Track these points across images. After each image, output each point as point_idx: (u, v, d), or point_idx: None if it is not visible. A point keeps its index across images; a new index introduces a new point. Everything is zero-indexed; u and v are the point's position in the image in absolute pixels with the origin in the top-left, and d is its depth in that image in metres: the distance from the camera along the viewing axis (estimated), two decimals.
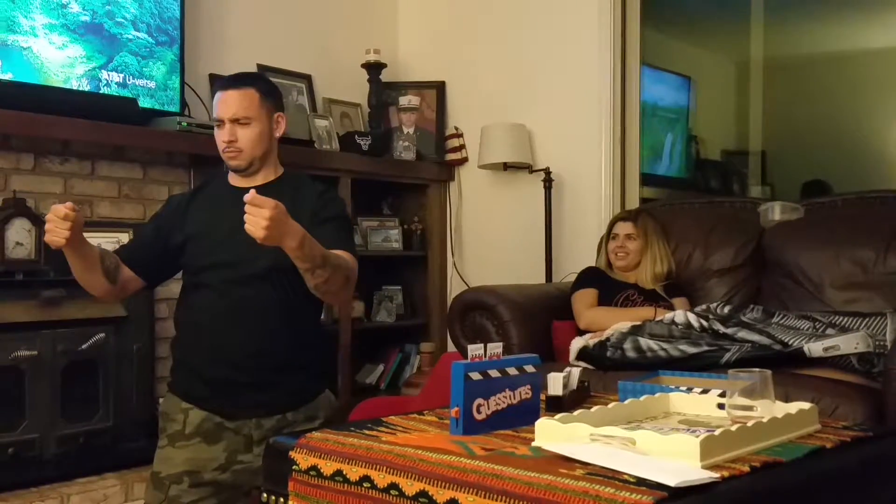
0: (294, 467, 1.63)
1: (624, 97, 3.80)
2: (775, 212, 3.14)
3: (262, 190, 1.91)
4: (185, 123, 3.20)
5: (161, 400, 2.25)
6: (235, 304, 2.13)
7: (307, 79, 3.97)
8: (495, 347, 1.74)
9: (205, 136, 3.23)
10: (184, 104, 3.39)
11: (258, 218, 1.81)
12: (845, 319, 2.57)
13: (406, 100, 4.12)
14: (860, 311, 2.63)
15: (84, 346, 3.00)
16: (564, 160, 3.85)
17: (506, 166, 3.93)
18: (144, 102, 3.23)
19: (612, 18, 3.75)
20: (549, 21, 3.91)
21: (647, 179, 4.70)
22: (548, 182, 3.80)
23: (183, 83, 3.37)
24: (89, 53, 3.12)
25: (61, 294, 2.91)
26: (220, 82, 2.23)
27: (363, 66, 4.04)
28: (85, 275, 2.09)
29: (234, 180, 2.24)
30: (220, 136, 2.18)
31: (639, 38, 3.82)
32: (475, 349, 1.79)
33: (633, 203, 3.82)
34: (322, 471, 1.59)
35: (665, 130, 5.22)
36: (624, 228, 3.15)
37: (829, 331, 2.53)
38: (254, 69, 3.74)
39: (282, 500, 1.66)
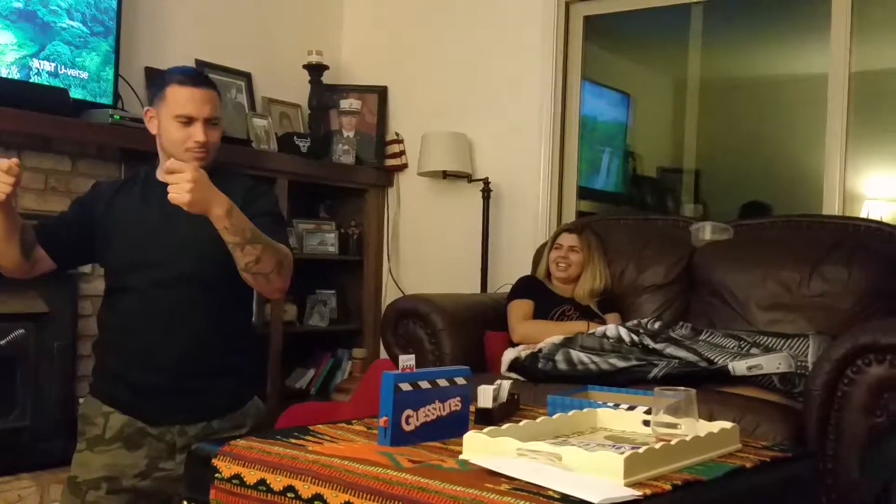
0: (216, 475, 1.60)
1: (564, 111, 3.84)
2: (706, 231, 3.19)
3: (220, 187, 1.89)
4: (117, 116, 3.12)
5: (81, 401, 2.17)
6: (162, 308, 2.08)
7: (247, 77, 3.91)
8: (408, 360, 1.74)
9: (138, 129, 3.16)
10: (117, 97, 3.31)
11: (181, 182, 1.80)
12: (769, 340, 2.63)
13: (347, 103, 4.10)
14: (783, 332, 2.69)
15: (2, 342, 2.90)
16: (504, 171, 3.87)
17: (445, 175, 3.93)
18: (76, 93, 3.14)
19: (555, 34, 3.79)
20: (494, 33, 3.93)
21: (584, 193, 4.74)
22: (486, 192, 3.82)
23: (117, 75, 3.29)
24: (21, 41, 3.02)
25: None
26: (182, 77, 2.12)
27: (305, 66, 4.00)
28: (2, 244, 2.01)
29: (164, 176, 2.16)
30: (191, 135, 2.09)
31: (581, 54, 3.86)
32: (406, 359, 1.78)
33: (570, 216, 3.86)
34: (245, 479, 1.56)
35: (603, 145, 5.28)
36: (568, 240, 3.17)
37: (754, 350, 2.59)
38: (192, 64, 3.67)
39: None
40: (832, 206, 3.34)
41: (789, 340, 2.61)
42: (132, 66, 3.45)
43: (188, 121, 2.09)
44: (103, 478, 2.05)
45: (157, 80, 2.22)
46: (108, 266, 2.19)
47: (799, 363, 2.50)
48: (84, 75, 3.18)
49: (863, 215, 5.57)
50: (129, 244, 2.11)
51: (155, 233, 2.08)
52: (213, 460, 1.61)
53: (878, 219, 4.07)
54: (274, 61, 4.03)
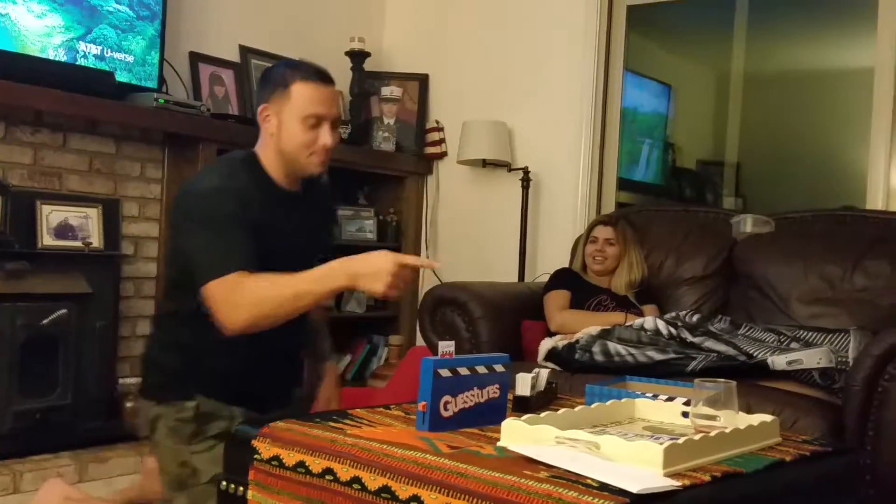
0: (256, 456, 1.62)
1: (605, 102, 3.81)
2: (747, 224, 3.16)
3: (310, 193, 1.98)
4: (162, 100, 3.16)
5: (190, 404, 2.07)
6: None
7: None
8: (447, 346, 1.74)
9: (182, 114, 3.20)
10: (162, 80, 3.35)
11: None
12: (809, 334, 2.60)
13: (388, 90, 4.11)
14: (824, 327, 2.66)
15: (45, 322, 2.95)
16: (543, 160, 3.85)
17: (485, 163, 3.93)
18: (122, 77, 3.18)
19: (598, 24, 3.76)
20: (536, 23, 3.91)
21: (623, 184, 4.72)
22: (526, 181, 3.81)
23: (162, 59, 3.33)
24: (68, 24, 3.07)
25: (25, 267, 2.87)
26: (308, 74, 1.98)
27: (347, 53, 4.02)
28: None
29: (283, 180, 2.05)
30: (318, 137, 1.99)
31: (623, 45, 3.83)
32: (446, 345, 1.78)
33: (610, 207, 3.83)
34: (284, 461, 1.58)
35: (643, 136, 5.24)
36: (604, 233, 3.16)
37: (794, 345, 2.56)
38: (236, 50, 3.70)
39: (241, 489, 1.64)
40: (876, 201, 3.28)
41: (830, 336, 2.57)
42: (177, 50, 3.49)
43: (317, 122, 1.98)
44: None
45: (272, 76, 2.06)
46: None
47: (839, 359, 2.47)
48: (130, 59, 3.23)
49: None
50: (269, 254, 1.97)
51: (288, 246, 2.03)
52: (253, 441, 1.63)
53: None
54: (316, 48, 4.04)
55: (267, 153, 2.05)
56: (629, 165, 5.08)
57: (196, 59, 3.56)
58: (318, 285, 1.89)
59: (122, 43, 3.21)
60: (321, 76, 2.01)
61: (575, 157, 3.79)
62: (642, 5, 3.84)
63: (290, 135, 1.99)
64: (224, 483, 1.68)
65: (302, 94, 1.97)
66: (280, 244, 2.00)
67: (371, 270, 1.85)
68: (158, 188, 3.37)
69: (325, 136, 1.99)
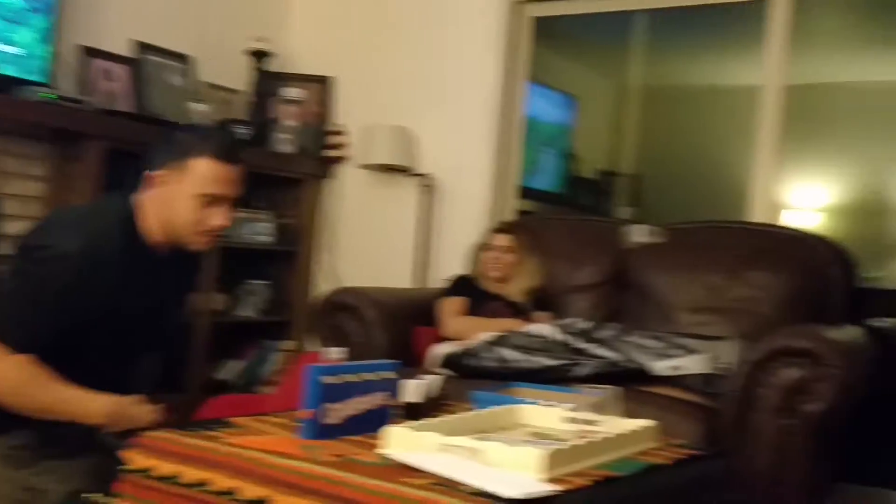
0: (125, 467, 1.57)
1: (509, 110, 3.86)
2: (638, 234, 3.26)
3: (179, 259, 1.91)
4: (46, 94, 3.05)
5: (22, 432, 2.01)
6: None
7: (187, 60, 3.85)
8: (336, 352, 1.74)
9: (68, 108, 3.10)
10: (51, 75, 3.23)
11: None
12: (692, 341, 2.70)
13: (290, 92, 4.06)
14: (706, 335, 2.76)
15: None
16: (446, 167, 3.88)
17: (387, 168, 3.93)
18: (7, 70, 3.06)
19: (504, 33, 3.80)
20: (443, 30, 3.94)
21: (524, 192, 4.79)
22: (428, 187, 3.83)
23: (53, 53, 3.22)
24: None
25: None
26: (216, 150, 1.85)
27: (248, 52, 3.96)
28: None
29: (158, 245, 1.93)
30: (209, 216, 1.87)
31: (529, 55, 3.89)
32: (335, 352, 1.78)
33: (509, 214, 3.89)
34: (156, 471, 1.54)
35: (546, 145, 5.34)
36: (501, 240, 3.19)
37: (677, 351, 2.65)
38: (130, 45, 3.60)
39: (110, 501, 1.59)
40: (759, 214, 3.42)
41: (710, 343, 2.68)
42: (67, 43, 3.37)
43: (213, 200, 1.86)
44: None
45: (177, 141, 1.92)
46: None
47: (719, 365, 2.57)
48: (17, 51, 3.10)
49: (785, 223, 5.75)
50: (116, 315, 1.89)
51: (140, 310, 1.93)
52: (123, 451, 1.58)
53: (802, 227, 4.20)
54: (216, 46, 3.97)
55: (149, 215, 1.92)
56: (531, 173, 5.16)
57: (89, 53, 3.45)
58: (79, 411, 1.82)
59: (10, 35, 3.08)
60: (228, 154, 1.89)
61: (477, 165, 3.83)
62: (548, 17, 3.91)
63: (180, 208, 1.87)
64: (89, 496, 1.63)
65: (203, 170, 1.85)
66: (132, 306, 1.90)
67: (128, 420, 1.83)
68: (42, 186, 3.25)
69: (219, 217, 1.89)
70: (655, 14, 4.21)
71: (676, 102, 6.01)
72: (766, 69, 3.42)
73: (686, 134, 5.96)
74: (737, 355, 2.57)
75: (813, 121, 5.32)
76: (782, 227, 3.32)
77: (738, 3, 3.58)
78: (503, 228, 3.28)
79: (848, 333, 2.60)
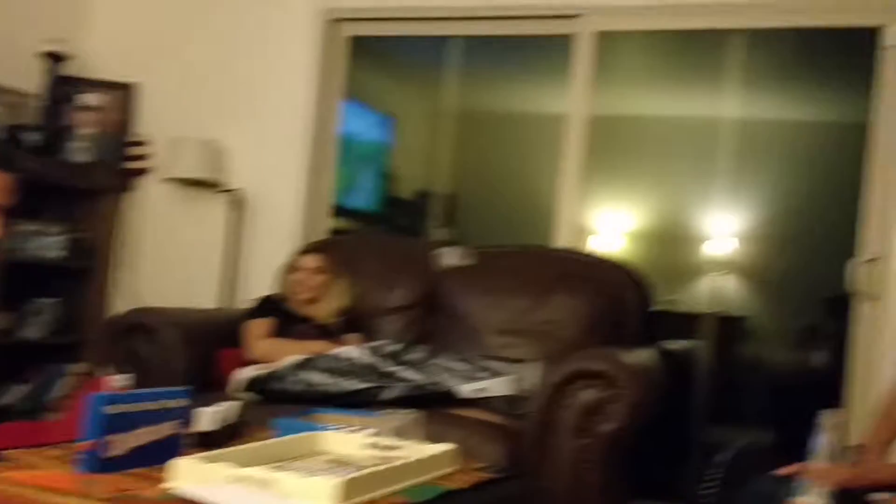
0: None
1: (323, 127, 3.81)
2: (450, 256, 3.29)
3: None
4: None
5: None
6: None
7: None
8: (121, 379, 1.64)
9: None
10: None
11: None
12: (497, 364, 2.75)
13: (88, 98, 3.82)
14: (511, 357, 2.82)
15: None
16: (257, 183, 3.77)
17: (194, 182, 3.77)
18: None
19: (319, 51, 3.76)
20: (258, 44, 3.84)
21: (340, 211, 4.75)
22: (237, 203, 3.71)
23: None
24: None
25: None
26: None
27: (41, 54, 3.69)
28: None
29: None
30: None
31: (343, 73, 3.86)
32: (119, 379, 1.67)
33: (323, 233, 3.83)
34: None
35: (363, 164, 5.33)
36: (310, 262, 3.13)
37: (482, 374, 2.69)
38: None
39: None
40: (565, 238, 3.55)
41: (515, 365, 2.74)
42: None
43: None
44: None
45: None
46: None
47: (522, 387, 2.63)
48: None
49: (590, 248, 6.04)
50: None
51: None
52: None
53: (603, 253, 4.41)
54: (5, 44, 3.68)
55: None
56: (348, 192, 5.13)
57: None
58: None
59: None
60: None
61: (289, 182, 3.75)
62: (364, 37, 3.90)
63: None
64: None
65: None
66: None
67: None
68: None
69: None
70: (470, 40, 4.30)
71: (490, 126, 6.18)
72: (572, 99, 3.56)
73: (499, 158, 6.14)
74: (538, 377, 2.64)
75: (616, 150, 5.62)
76: (584, 253, 3.45)
77: (546, 36, 3.71)
78: (311, 249, 3.21)
79: (641, 356, 2.73)
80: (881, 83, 3.10)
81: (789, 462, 1.73)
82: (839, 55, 4.18)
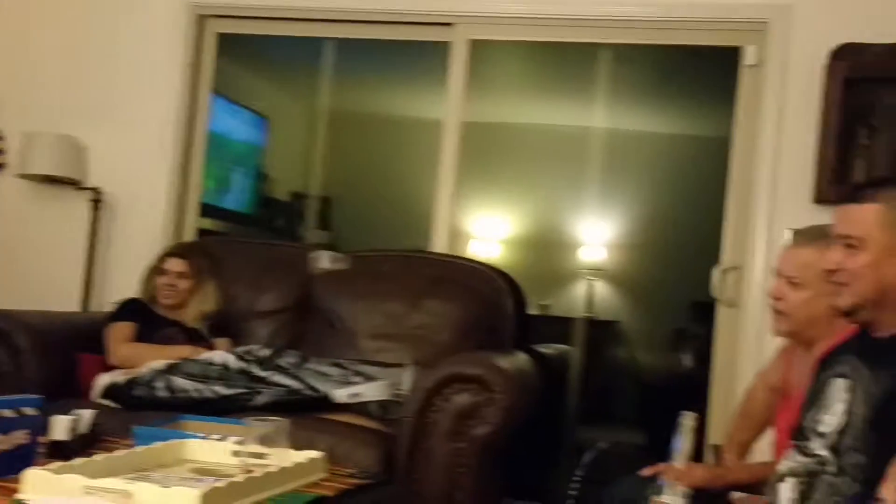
0: None
1: (192, 126, 3.69)
2: (323, 260, 3.24)
3: None
4: None
5: None
6: None
7: None
8: None
9: None
10: None
11: None
12: (371, 368, 2.72)
13: None
14: (384, 361, 2.80)
15: None
16: (122, 181, 3.61)
17: (51, 179, 3.58)
18: None
19: (187, 47, 3.63)
20: (122, 38, 3.68)
21: (211, 211, 4.62)
22: (98, 202, 3.54)
23: None
24: None
25: None
26: None
27: None
28: None
29: None
30: None
31: (212, 71, 3.75)
32: None
33: (190, 233, 3.71)
34: None
35: (236, 164, 5.20)
36: (175, 265, 3.01)
37: (356, 378, 2.66)
38: None
39: None
40: (441, 242, 3.56)
41: (389, 369, 2.71)
42: None
43: None
44: None
45: None
46: None
47: (396, 391, 2.61)
48: None
49: (468, 253, 6.11)
50: None
51: None
52: None
53: (477, 258, 4.46)
54: None
55: None
56: (220, 192, 5.00)
57: None
58: None
59: None
60: None
61: (154, 181, 3.61)
62: (233, 35, 3.80)
63: None
64: None
65: None
66: None
67: None
68: None
69: None
70: (346, 42, 4.26)
71: (367, 130, 6.16)
72: (447, 105, 3.58)
73: (376, 161, 6.13)
74: (412, 382, 2.63)
75: (491, 157, 5.70)
76: (459, 258, 3.46)
77: (422, 42, 3.71)
78: (176, 252, 3.09)
79: (516, 360, 2.76)
80: (741, 100, 3.25)
81: (654, 462, 1.78)
82: (703, 72, 4.36)
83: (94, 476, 1.50)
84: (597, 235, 6.39)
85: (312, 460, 1.75)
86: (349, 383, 2.63)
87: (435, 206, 3.59)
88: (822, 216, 2.21)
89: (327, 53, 5.09)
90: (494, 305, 3.10)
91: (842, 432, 1.46)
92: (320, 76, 5.38)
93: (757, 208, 3.12)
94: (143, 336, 2.87)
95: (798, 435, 1.58)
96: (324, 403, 2.58)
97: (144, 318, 2.93)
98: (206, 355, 2.73)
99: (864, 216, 1.47)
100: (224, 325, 3.06)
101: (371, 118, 6.21)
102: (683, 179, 5.89)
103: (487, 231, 6.50)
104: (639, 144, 6.10)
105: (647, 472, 1.77)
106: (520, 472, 3.37)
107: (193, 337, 2.93)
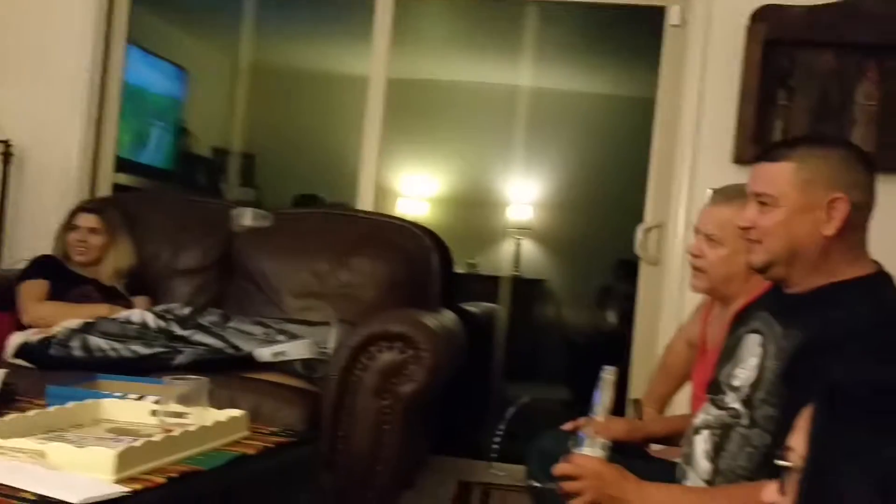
0: None
1: (105, 76, 3.55)
2: (246, 217, 3.17)
3: None
4: None
5: None
6: None
7: None
8: None
9: None
10: None
11: None
12: (295, 327, 2.70)
13: None
14: (309, 320, 2.77)
15: None
16: (31, 134, 3.45)
17: None
18: None
19: None
20: None
21: (129, 166, 4.48)
22: (8, 156, 3.39)
23: None
24: None
25: None
26: None
27: None
28: None
29: None
30: None
31: (127, 16, 3.60)
32: None
33: (106, 189, 3.59)
34: None
35: (154, 118, 5.03)
36: (87, 221, 2.92)
37: (280, 337, 2.63)
38: None
39: None
40: (368, 200, 3.52)
41: (314, 328, 2.69)
42: None
43: None
44: None
45: None
46: None
47: (321, 350, 2.59)
48: None
49: (397, 211, 6.08)
50: None
51: None
52: None
53: (404, 216, 4.43)
54: None
55: None
56: (138, 147, 4.85)
57: None
58: None
59: None
60: None
61: (69, 134, 3.47)
62: None
63: None
64: None
65: None
66: None
67: None
68: None
69: None
70: None
71: (290, 84, 6.04)
72: (372, 61, 3.52)
73: (300, 117, 6.01)
74: (337, 340, 2.61)
75: (418, 114, 5.66)
76: (385, 216, 3.44)
77: None
78: (88, 208, 3.00)
79: (442, 318, 2.77)
80: (664, 60, 3.28)
81: (576, 416, 1.81)
82: (630, 32, 4.38)
83: (5, 436, 1.45)
84: (524, 194, 6.42)
85: (234, 419, 1.73)
86: (273, 342, 2.60)
87: (361, 164, 3.55)
88: (742, 176, 2.25)
89: (248, 4, 4.95)
90: (421, 264, 3.09)
91: (754, 386, 1.50)
92: (242, 28, 5.23)
93: (679, 168, 3.16)
94: (57, 294, 2.79)
95: (713, 389, 1.62)
96: (247, 363, 2.54)
97: (58, 275, 2.84)
98: (124, 314, 2.66)
99: (777, 174, 1.49)
100: (143, 284, 2.99)
101: (295, 72, 6.09)
102: (610, 139, 5.95)
103: (415, 189, 6.48)
104: (566, 104, 6.13)
105: (568, 426, 1.79)
106: (446, 428, 3.41)
107: (110, 295, 2.86)
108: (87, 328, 2.57)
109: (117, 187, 3.73)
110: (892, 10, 2.91)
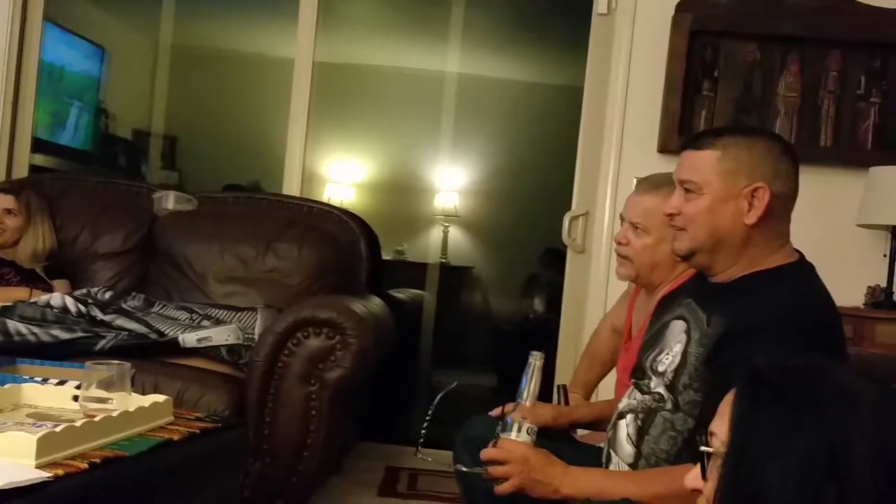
0: None
1: (21, 54, 3.42)
2: (169, 201, 3.11)
3: None
4: None
5: None
6: None
7: None
8: None
9: None
10: None
11: None
12: (221, 312, 2.65)
13: None
14: (234, 305, 2.73)
15: None
16: None
17: None
18: None
19: None
20: None
21: (46, 147, 4.33)
22: None
23: None
24: None
25: None
26: None
27: None
28: None
29: None
30: None
31: None
32: None
33: (22, 171, 3.47)
34: None
35: (72, 98, 4.87)
36: (3, 202, 2.83)
37: (205, 322, 2.59)
38: None
39: None
40: (293, 187, 3.49)
41: (239, 313, 2.65)
42: None
43: None
44: None
45: None
46: None
47: (247, 335, 2.56)
48: None
49: (325, 197, 6.03)
50: None
51: None
52: None
53: (331, 202, 4.40)
54: None
55: None
56: (55, 128, 4.69)
57: None
58: None
59: None
60: None
61: None
62: None
63: None
64: None
65: None
66: None
67: None
68: None
69: None
70: None
71: (214, 66, 5.92)
72: (298, 44, 3.48)
73: (225, 99, 5.90)
74: (263, 325, 2.58)
75: (345, 99, 5.61)
76: (312, 201, 3.40)
77: None
78: (4, 189, 2.91)
79: (369, 304, 2.75)
80: (592, 49, 3.31)
81: (504, 402, 1.82)
82: (558, 20, 4.43)
83: None
84: (452, 181, 6.44)
85: (157, 404, 1.70)
86: (198, 327, 2.55)
87: (288, 149, 3.50)
88: (667, 165, 2.31)
89: None
90: (348, 250, 3.07)
91: (678, 371, 1.53)
92: (162, 6, 5.10)
93: (605, 156, 3.20)
94: None
95: (638, 374, 1.65)
96: (172, 348, 2.50)
97: None
98: (43, 298, 2.59)
99: (702, 162, 1.52)
100: (63, 267, 2.91)
101: (219, 54, 5.97)
102: (538, 127, 6.00)
103: (342, 175, 6.43)
104: (493, 91, 6.16)
105: (495, 411, 1.81)
106: (373, 414, 3.41)
107: (29, 278, 2.78)
108: (6, 312, 2.48)
109: (34, 168, 3.62)
110: (814, 4, 3.00)
